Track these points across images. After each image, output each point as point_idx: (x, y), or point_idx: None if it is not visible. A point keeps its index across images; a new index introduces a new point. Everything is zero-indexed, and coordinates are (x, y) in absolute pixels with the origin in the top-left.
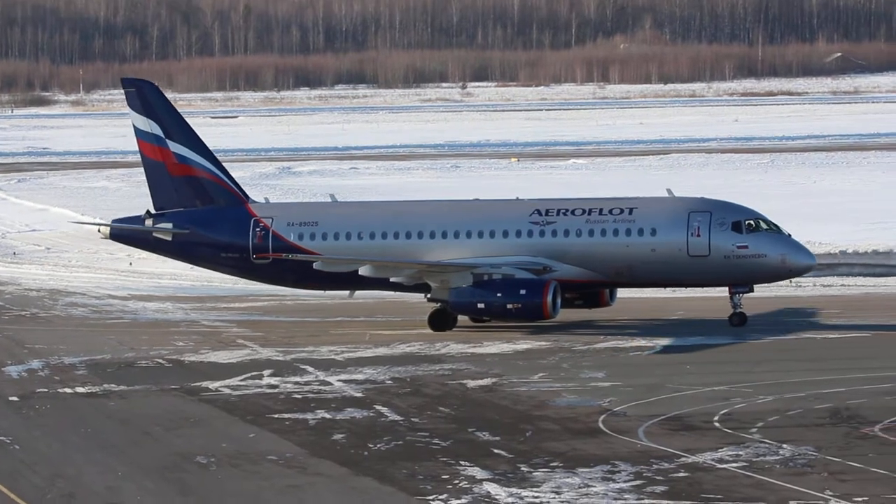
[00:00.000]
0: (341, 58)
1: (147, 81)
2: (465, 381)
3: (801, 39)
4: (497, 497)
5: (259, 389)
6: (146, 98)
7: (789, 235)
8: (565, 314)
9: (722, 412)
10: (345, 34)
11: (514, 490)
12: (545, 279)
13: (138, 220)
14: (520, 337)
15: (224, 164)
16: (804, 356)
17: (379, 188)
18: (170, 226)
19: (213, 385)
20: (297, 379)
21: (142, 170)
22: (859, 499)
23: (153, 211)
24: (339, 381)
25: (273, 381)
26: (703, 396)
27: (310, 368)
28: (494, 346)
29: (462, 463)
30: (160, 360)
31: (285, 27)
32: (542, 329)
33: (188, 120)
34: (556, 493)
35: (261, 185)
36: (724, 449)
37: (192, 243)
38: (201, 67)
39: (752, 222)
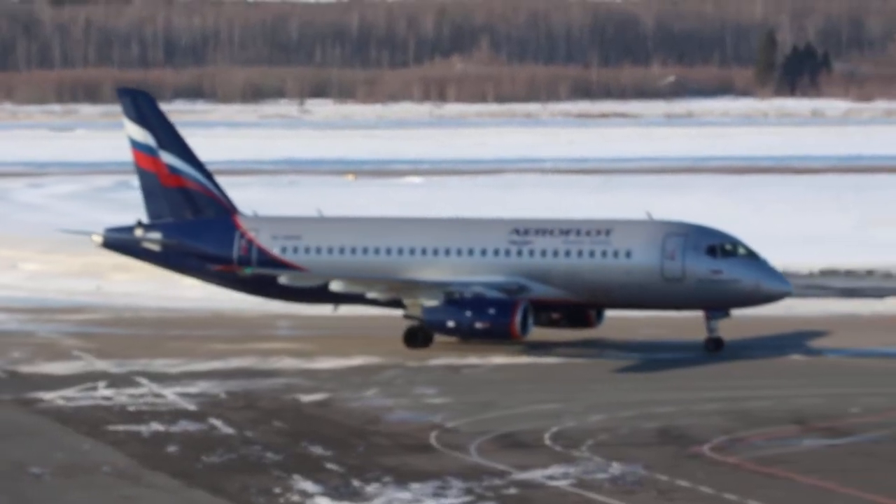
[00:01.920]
0: (180, 73)
1: (142, 91)
2: (298, 396)
3: (636, 62)
4: None
5: (94, 401)
6: (140, 108)
7: (765, 261)
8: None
9: (553, 430)
10: (184, 49)
11: None
12: (514, 299)
13: (131, 229)
14: (354, 352)
15: (59, 176)
16: (635, 376)
17: None
18: (158, 236)
19: (47, 396)
20: (132, 391)
21: None
22: None
23: (145, 221)
24: (174, 393)
25: (108, 392)
26: (535, 414)
27: (144, 381)
28: (328, 362)
29: (294, 477)
30: None
31: (125, 41)
32: (375, 345)
33: (28, 133)
34: None
35: (98, 199)
36: (555, 466)
37: (180, 254)
38: (42, 80)
39: (728, 247)
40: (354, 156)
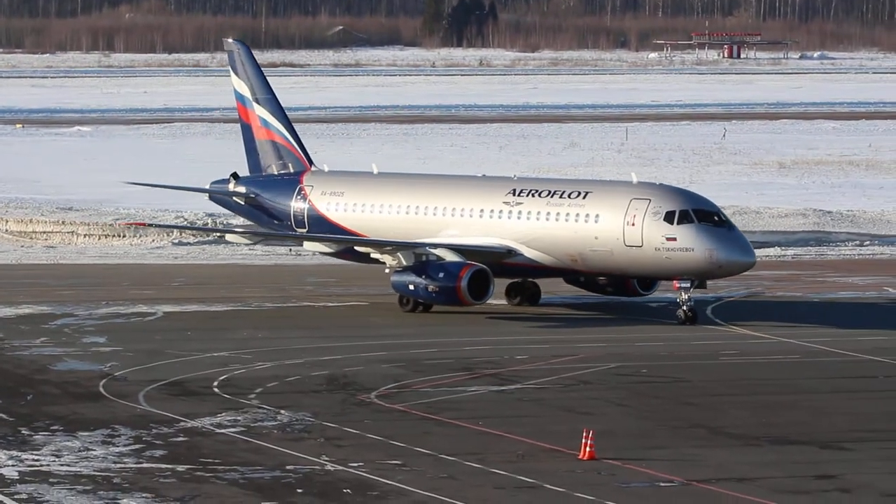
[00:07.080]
0: None
1: (241, 42)
2: None
3: (304, 12)
4: None
5: None
6: (241, 59)
7: (731, 231)
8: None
9: (221, 378)
10: None
11: (14, 453)
12: (464, 263)
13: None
14: (22, 301)
15: None
16: (304, 323)
17: None
18: (243, 189)
19: None
20: None
21: None
22: (355, 464)
23: (241, 174)
24: None
25: None
26: (203, 362)
27: None
28: None
29: None
30: None
31: None
32: (45, 294)
33: None
34: (57, 456)
35: None
36: (223, 414)
37: (257, 208)
38: None
39: (689, 213)
40: (22, 105)
